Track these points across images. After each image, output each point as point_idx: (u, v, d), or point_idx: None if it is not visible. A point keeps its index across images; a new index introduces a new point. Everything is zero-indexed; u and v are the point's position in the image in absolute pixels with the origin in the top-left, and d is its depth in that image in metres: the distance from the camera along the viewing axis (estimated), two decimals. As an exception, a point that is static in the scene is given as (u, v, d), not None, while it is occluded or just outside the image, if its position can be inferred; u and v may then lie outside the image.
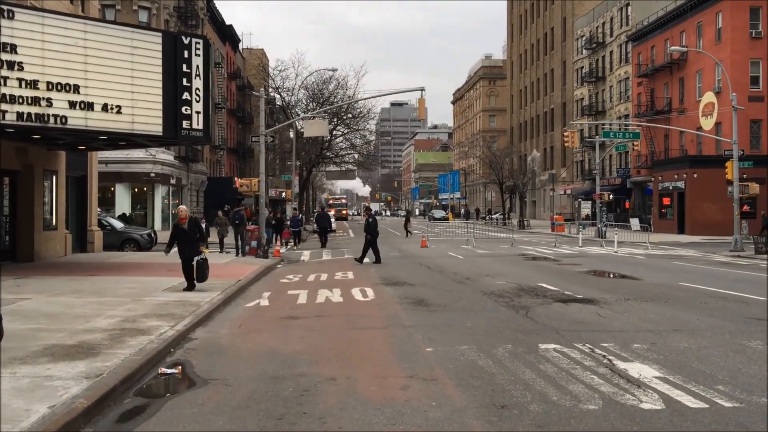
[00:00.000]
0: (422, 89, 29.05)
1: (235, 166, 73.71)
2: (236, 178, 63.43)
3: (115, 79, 18.70)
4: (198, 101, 20.49)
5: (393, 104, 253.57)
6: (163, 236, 38.10)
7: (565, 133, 42.47)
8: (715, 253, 31.17)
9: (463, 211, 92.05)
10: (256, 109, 74.27)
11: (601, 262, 24.79)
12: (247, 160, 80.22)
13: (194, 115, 20.39)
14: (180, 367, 8.87)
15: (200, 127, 20.56)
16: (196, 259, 15.61)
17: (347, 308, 13.76)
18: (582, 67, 74.85)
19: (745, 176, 40.87)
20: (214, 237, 32.56)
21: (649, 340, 9.95)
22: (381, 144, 69.05)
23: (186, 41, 20.34)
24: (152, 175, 44.05)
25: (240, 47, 79.75)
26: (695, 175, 48.62)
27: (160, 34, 20.33)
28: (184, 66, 20.20)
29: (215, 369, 8.71)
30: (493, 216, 78.34)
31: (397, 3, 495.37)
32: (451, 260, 26.08)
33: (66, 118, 17.68)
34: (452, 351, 9.32)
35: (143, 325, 11.30)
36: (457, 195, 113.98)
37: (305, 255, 30.56)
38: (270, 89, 54.40)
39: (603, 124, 49.20)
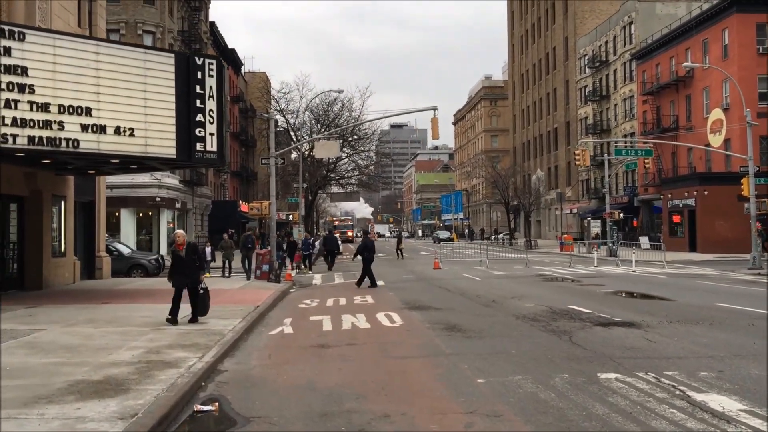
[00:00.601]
0: (435, 108, 28.62)
1: (239, 190, 73.23)
2: (241, 202, 62.92)
3: (128, 101, 18.22)
4: (212, 123, 20.01)
5: (392, 126, 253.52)
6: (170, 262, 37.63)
7: (576, 152, 41.97)
8: (734, 271, 30.58)
9: (467, 231, 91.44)
10: (259, 132, 74.01)
11: (624, 283, 24.16)
12: (251, 184, 79.78)
13: (208, 137, 19.90)
14: (217, 404, 8.25)
15: (214, 149, 20.06)
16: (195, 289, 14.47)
17: (377, 335, 13.13)
18: (585, 86, 74.69)
19: (756, 193, 40.48)
20: (218, 261, 32.03)
21: (715, 367, 9.32)
22: (384, 165, 68.30)
23: (199, 62, 19.90)
24: (158, 199, 43.50)
25: (242, 71, 79.64)
26: (706, 193, 48.14)
27: (173, 54, 19.86)
28: (198, 87, 19.73)
29: (254, 405, 8.09)
30: (499, 236, 77.80)
31: (393, 26, 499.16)
32: (469, 282, 25.45)
33: (78, 141, 17.16)
34: (507, 382, 8.69)
35: (169, 356, 10.67)
36: (460, 216, 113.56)
37: (317, 279, 29.94)
38: (274, 111, 54.07)
39: (616, 142, 48.67)
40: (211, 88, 20.07)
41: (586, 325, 13.35)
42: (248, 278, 27.94)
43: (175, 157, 19.32)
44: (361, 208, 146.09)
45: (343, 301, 19.86)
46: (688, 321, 13.82)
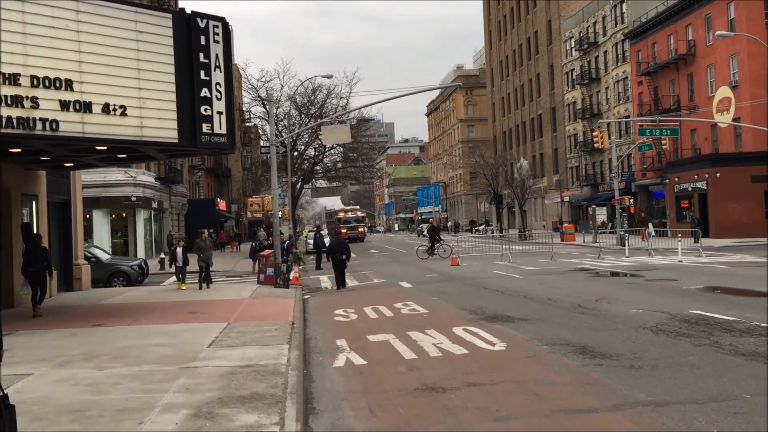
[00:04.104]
0: (459, 86, 25.36)
1: (213, 188, 69.02)
2: (218, 200, 58.87)
3: (118, 71, 14.52)
4: (219, 99, 16.37)
5: (360, 120, 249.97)
6: (153, 265, 33.41)
7: (595, 133, 39.08)
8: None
9: (451, 224, 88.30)
10: (236, 126, 69.81)
11: (694, 276, 20.91)
12: (226, 182, 75.54)
13: (215, 117, 16.25)
14: None
15: (223, 131, 16.41)
16: None
17: (494, 368, 9.61)
18: (573, 70, 71.87)
19: (770, 173, 38.08)
20: (193, 265, 26.74)
21: None
22: (373, 155, 64.39)
23: (202, 24, 16.23)
24: (133, 198, 39.40)
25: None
26: (718, 175, 45.55)
27: (170, 15, 16.09)
28: (201, 55, 16.10)
29: None
30: (489, 227, 74.85)
31: (360, 20, 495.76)
32: (513, 281, 22.09)
33: (57, 122, 13.42)
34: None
35: (231, 423, 7.05)
36: (438, 208, 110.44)
37: (325, 282, 26.44)
38: (253, 101, 50.22)
39: (641, 123, 45.48)
40: (217, 56, 16.42)
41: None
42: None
43: (177, 141, 15.60)
44: (338, 202, 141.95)
45: (386, 311, 16.35)
46: None
